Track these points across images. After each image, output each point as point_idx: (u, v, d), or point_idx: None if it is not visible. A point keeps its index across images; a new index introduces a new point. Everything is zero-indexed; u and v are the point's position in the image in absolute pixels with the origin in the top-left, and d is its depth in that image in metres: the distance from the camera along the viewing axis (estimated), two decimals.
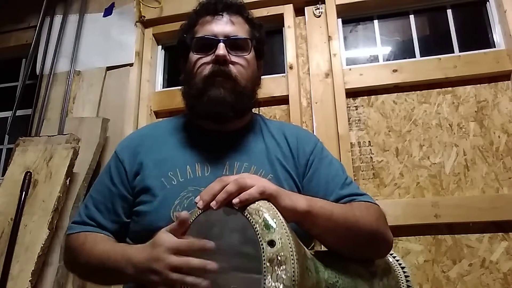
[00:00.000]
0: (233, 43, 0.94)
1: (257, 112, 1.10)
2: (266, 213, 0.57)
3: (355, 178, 1.66)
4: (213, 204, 0.62)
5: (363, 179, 1.67)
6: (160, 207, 0.84)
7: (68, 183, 1.62)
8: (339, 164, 0.99)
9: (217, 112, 0.92)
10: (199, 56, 0.94)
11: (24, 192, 1.58)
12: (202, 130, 0.98)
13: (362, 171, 1.68)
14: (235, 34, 0.94)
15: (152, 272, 0.68)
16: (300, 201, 0.67)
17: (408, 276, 0.88)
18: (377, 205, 0.88)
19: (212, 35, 0.93)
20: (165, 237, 0.69)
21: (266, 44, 1.05)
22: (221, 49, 0.91)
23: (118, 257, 0.77)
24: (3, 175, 1.76)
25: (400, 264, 0.90)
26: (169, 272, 0.65)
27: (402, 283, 0.86)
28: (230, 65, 0.92)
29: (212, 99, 0.90)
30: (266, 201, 0.61)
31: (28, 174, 1.62)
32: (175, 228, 0.69)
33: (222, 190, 0.62)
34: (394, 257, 0.91)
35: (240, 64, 0.93)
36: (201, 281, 0.63)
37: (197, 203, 0.65)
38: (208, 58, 0.92)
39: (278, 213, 0.59)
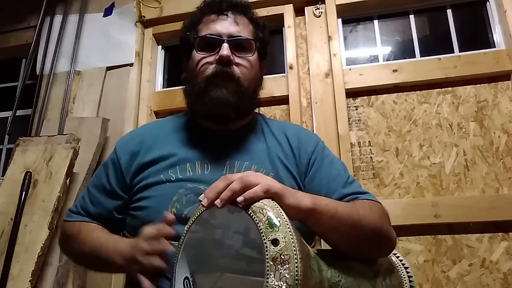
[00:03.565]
0: (237, 44, 0.93)
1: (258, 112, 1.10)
2: (270, 211, 0.57)
3: (355, 178, 1.65)
4: (217, 202, 0.61)
5: (363, 179, 1.67)
6: (158, 203, 0.85)
7: (68, 183, 1.61)
8: (341, 163, 0.99)
9: (219, 112, 0.92)
10: (202, 55, 0.93)
11: (24, 192, 1.57)
12: (203, 129, 0.98)
13: (362, 171, 1.68)
14: (239, 34, 0.94)
15: (134, 261, 0.76)
16: (304, 199, 0.67)
17: (412, 276, 0.87)
18: (380, 203, 0.88)
19: (216, 35, 0.93)
20: (145, 229, 0.78)
21: (270, 45, 1.05)
22: (225, 50, 0.90)
23: (109, 247, 0.84)
24: (3, 175, 1.76)
25: (403, 264, 0.89)
26: (144, 256, 0.74)
27: (405, 283, 0.86)
28: (233, 66, 0.91)
29: (214, 99, 0.90)
30: (270, 200, 0.60)
31: (28, 174, 1.61)
32: (160, 227, 0.76)
33: (226, 188, 0.62)
34: (397, 257, 0.91)
35: (244, 65, 0.93)
36: (160, 263, 0.73)
37: (201, 200, 0.64)
38: (211, 58, 0.92)
39: (282, 212, 0.59)
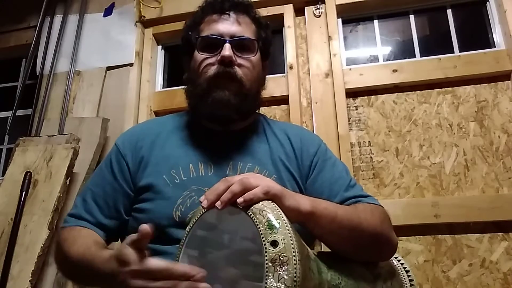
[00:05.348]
0: (239, 44, 0.92)
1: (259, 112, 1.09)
2: (270, 213, 0.57)
3: (355, 178, 1.66)
4: (217, 204, 0.61)
5: (363, 179, 1.67)
6: (163, 206, 0.84)
7: (68, 183, 1.61)
8: (343, 165, 0.98)
9: (221, 114, 0.92)
10: (205, 56, 0.92)
11: (24, 192, 1.57)
12: (205, 129, 0.97)
13: (362, 171, 1.68)
14: (242, 34, 0.93)
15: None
16: (303, 202, 0.67)
17: (413, 280, 0.87)
18: (382, 207, 0.87)
19: (218, 35, 0.92)
20: (129, 255, 0.62)
21: (272, 44, 1.04)
22: (227, 50, 0.89)
23: (104, 256, 0.71)
24: (3, 175, 1.76)
25: (404, 268, 0.89)
26: None
27: (406, 286, 0.86)
28: (235, 66, 0.90)
29: (217, 101, 0.89)
30: (270, 202, 0.60)
31: (28, 174, 1.61)
32: (138, 240, 0.62)
33: (226, 190, 0.62)
34: (398, 260, 0.91)
35: (246, 66, 0.92)
36: None
37: (201, 202, 0.64)
38: (213, 59, 0.91)
39: (282, 213, 0.59)
